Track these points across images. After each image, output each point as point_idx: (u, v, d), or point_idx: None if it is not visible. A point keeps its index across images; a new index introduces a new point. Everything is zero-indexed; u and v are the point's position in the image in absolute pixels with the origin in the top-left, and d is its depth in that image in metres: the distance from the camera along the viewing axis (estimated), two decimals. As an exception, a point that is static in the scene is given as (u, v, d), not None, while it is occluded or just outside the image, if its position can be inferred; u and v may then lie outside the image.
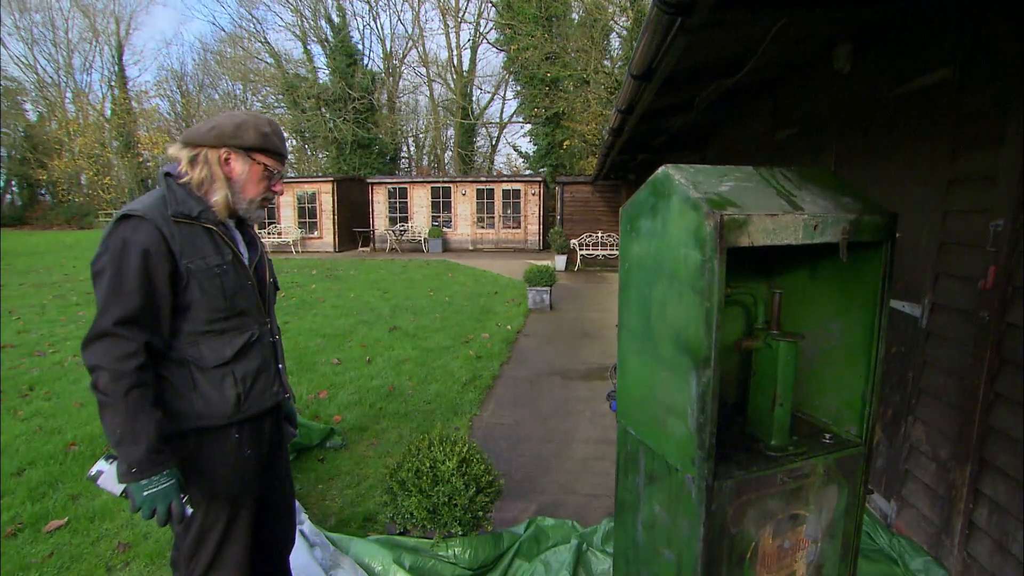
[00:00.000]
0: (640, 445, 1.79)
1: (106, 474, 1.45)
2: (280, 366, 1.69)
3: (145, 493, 1.35)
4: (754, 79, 3.86)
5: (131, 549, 2.46)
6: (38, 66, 35.02)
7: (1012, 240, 1.97)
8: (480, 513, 2.09)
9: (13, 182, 39.02)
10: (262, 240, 1.78)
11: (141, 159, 32.95)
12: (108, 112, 33.92)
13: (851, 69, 2.97)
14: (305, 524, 2.27)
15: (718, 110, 4.94)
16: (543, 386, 4.87)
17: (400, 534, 2.23)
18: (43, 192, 37.55)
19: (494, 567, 2.21)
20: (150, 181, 34.91)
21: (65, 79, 35.01)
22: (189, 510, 1.43)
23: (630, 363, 1.81)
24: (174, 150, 1.52)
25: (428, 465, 2.12)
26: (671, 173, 1.51)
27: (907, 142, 2.55)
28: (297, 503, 2.66)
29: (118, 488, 1.40)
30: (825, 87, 3.31)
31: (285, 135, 1.67)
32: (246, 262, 1.59)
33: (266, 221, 18.46)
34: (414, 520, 2.07)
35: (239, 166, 1.51)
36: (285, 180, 18.61)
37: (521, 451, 3.56)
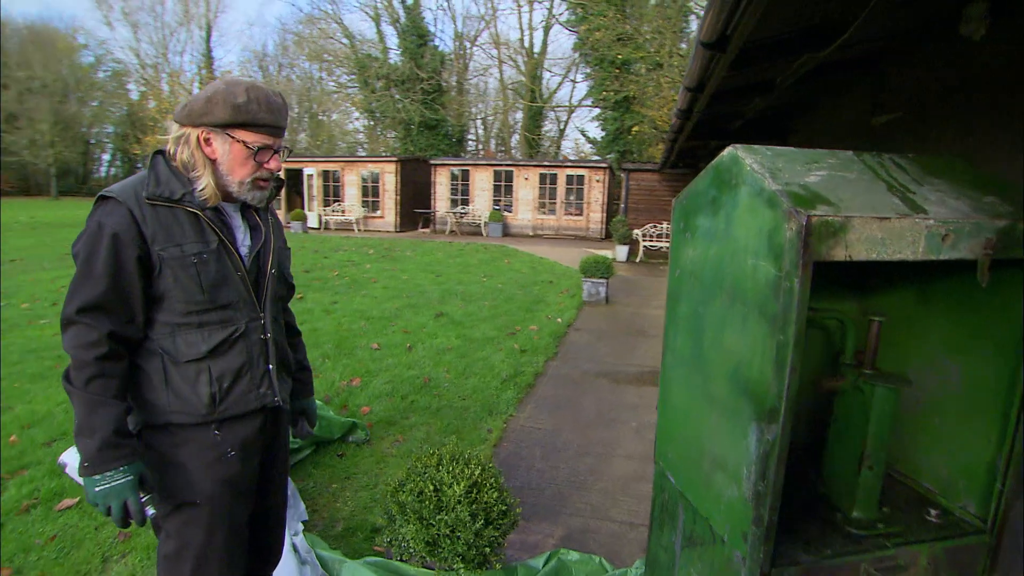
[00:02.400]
0: (680, 498, 1.43)
1: (70, 465, 1.34)
2: (270, 367, 1.48)
3: (96, 489, 1.25)
4: (849, 53, 3.29)
5: (131, 540, 2.36)
6: (140, 49, 37.51)
7: None
8: (487, 549, 1.81)
9: (118, 156, 42.45)
10: (278, 223, 1.60)
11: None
12: (196, 91, 35.88)
13: (985, 34, 2.39)
14: (299, 537, 2.07)
15: (803, 91, 4.34)
16: (589, 388, 4.52)
17: (403, 560, 1.98)
18: (139, 165, 40.53)
19: (503, 608, 1.92)
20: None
21: (162, 60, 37.30)
22: (150, 511, 1.31)
23: (673, 394, 1.45)
24: (171, 129, 1.37)
25: (432, 488, 1.85)
26: (741, 156, 1.14)
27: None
28: (302, 506, 2.48)
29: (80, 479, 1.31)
30: (944, 59, 2.73)
31: (281, 100, 1.40)
32: (241, 251, 1.42)
33: (331, 198, 18.90)
34: (411, 551, 1.81)
35: (219, 146, 1.33)
36: (351, 159, 18.80)
37: (555, 462, 3.24)
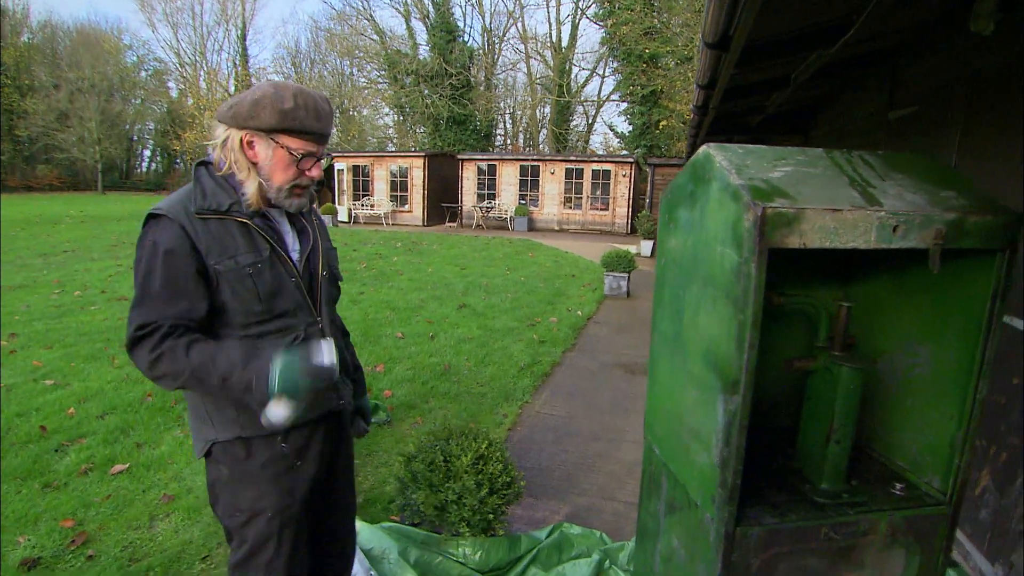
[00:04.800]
0: (664, 468, 1.56)
1: (269, 415, 1.26)
2: None
3: (275, 386, 1.21)
4: (864, 49, 3.32)
5: (174, 501, 2.60)
6: (180, 48, 38.78)
7: None
8: (491, 516, 1.96)
9: (158, 152, 44.06)
10: (323, 224, 1.59)
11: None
12: (232, 89, 36.94)
13: (995, 29, 2.42)
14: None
15: (822, 86, 4.34)
16: (604, 378, 4.63)
17: (415, 524, 2.15)
18: (178, 161, 42.02)
19: (506, 572, 2.08)
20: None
21: (200, 59, 38.49)
22: (332, 363, 1.29)
23: (659, 372, 1.57)
24: (216, 130, 1.33)
25: (442, 459, 2.01)
26: (712, 154, 1.25)
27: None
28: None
29: (277, 416, 1.25)
30: (956, 54, 2.75)
31: (328, 107, 1.38)
32: (293, 256, 1.41)
33: (360, 193, 19.30)
34: (421, 515, 1.98)
35: (262, 150, 1.30)
36: (380, 154, 18.77)
37: (566, 446, 3.38)
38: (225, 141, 1.30)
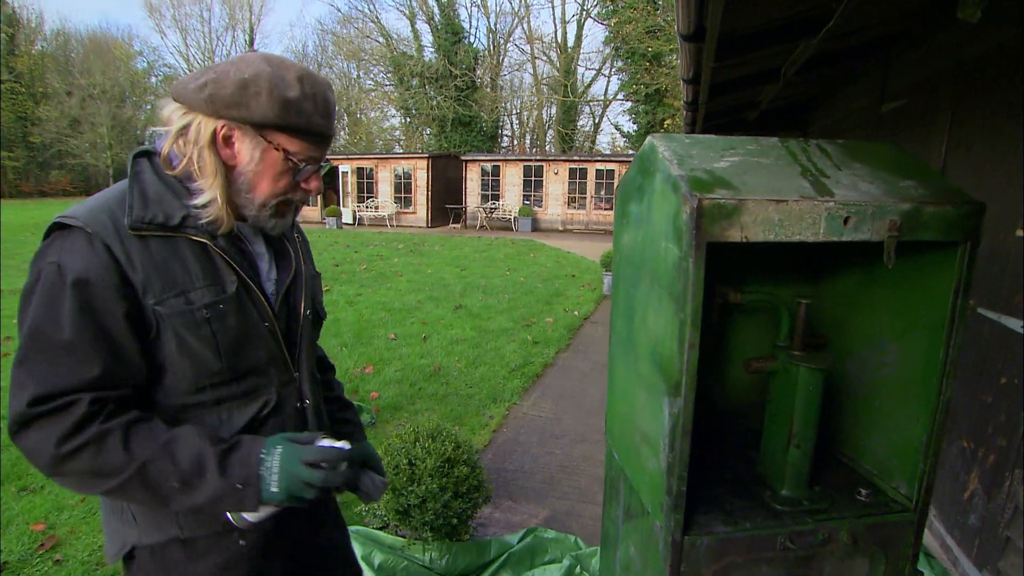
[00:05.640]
0: (621, 472, 1.50)
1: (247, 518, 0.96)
2: None
3: (273, 489, 0.91)
4: (856, 41, 3.23)
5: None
6: (189, 54, 39.24)
7: None
8: (455, 520, 1.91)
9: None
10: (306, 242, 1.22)
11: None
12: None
13: (982, 17, 2.33)
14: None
15: (817, 80, 4.25)
16: (595, 379, 4.57)
17: (381, 528, 2.11)
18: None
19: (474, 579, 2.03)
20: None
21: (209, 64, 38.86)
22: (343, 445, 0.97)
23: (615, 373, 1.52)
24: (166, 109, 0.96)
25: (407, 462, 1.97)
26: (656, 144, 1.20)
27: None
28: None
29: (257, 516, 0.95)
30: (945, 44, 2.67)
31: (335, 99, 1.00)
32: (268, 289, 1.05)
33: (364, 195, 19.34)
34: (384, 519, 1.94)
35: (246, 150, 0.94)
36: (384, 156, 18.23)
37: (551, 448, 3.33)
38: (185, 129, 0.92)
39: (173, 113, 0.94)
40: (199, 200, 0.93)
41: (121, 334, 0.88)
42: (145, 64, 42.18)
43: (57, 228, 0.89)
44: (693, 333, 1.06)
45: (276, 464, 0.91)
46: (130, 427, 0.88)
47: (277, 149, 0.95)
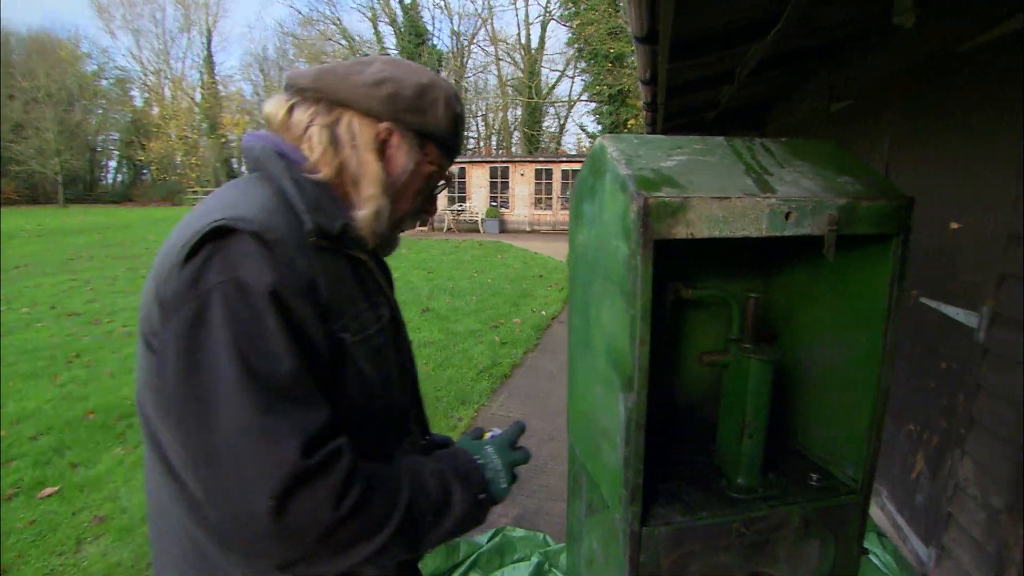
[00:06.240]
0: (583, 469, 1.52)
1: None
2: None
3: (505, 485, 0.92)
4: (807, 43, 3.35)
5: (105, 523, 2.48)
6: (142, 56, 37.97)
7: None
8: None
9: (124, 163, 43.03)
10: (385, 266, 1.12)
11: (225, 140, 35.13)
12: (198, 97, 36.27)
13: (916, 23, 2.45)
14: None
15: (772, 81, 4.38)
16: (562, 379, 4.60)
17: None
18: (144, 172, 41.09)
19: (442, 582, 2.02)
20: (235, 162, 37.30)
21: (164, 67, 37.70)
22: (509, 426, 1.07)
23: (575, 370, 1.54)
24: (273, 106, 0.83)
25: (371, 468, 1.94)
26: (605, 145, 1.22)
27: (977, 110, 2.05)
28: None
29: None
30: (884, 48, 2.79)
31: None
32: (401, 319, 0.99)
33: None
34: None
35: (403, 158, 0.86)
36: None
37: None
38: (333, 126, 0.80)
39: (301, 110, 0.81)
40: (364, 211, 0.81)
41: (326, 363, 0.72)
42: (95, 67, 40.61)
43: (221, 234, 0.66)
44: (644, 329, 1.09)
45: (495, 460, 0.90)
46: (366, 467, 0.72)
47: (431, 163, 0.91)
